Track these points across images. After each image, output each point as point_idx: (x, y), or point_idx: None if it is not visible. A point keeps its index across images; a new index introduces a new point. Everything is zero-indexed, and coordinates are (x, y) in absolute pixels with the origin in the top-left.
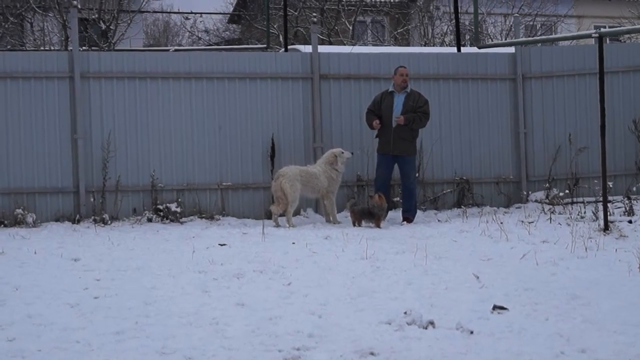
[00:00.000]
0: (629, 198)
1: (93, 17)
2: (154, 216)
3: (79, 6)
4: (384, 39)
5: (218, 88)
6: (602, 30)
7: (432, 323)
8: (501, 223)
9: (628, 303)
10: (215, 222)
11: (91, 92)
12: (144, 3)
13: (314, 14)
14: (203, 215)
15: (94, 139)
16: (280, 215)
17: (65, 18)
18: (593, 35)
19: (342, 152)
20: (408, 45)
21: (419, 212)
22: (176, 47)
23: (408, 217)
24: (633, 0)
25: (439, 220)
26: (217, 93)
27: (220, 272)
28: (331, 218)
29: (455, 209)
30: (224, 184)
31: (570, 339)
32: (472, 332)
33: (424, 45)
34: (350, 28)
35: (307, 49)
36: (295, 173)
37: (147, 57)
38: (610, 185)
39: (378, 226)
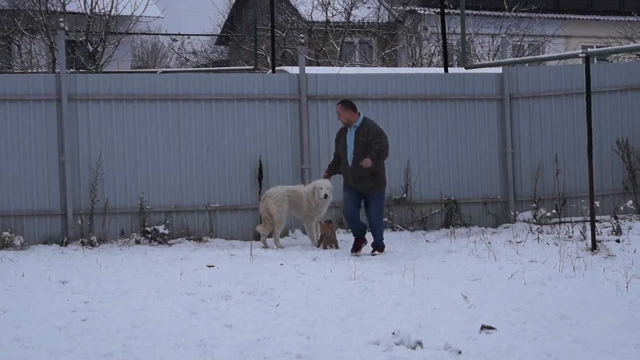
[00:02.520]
0: (616, 217)
1: (80, 39)
2: (142, 238)
3: (67, 28)
4: (372, 59)
5: (205, 110)
6: (589, 50)
7: (420, 343)
8: (489, 243)
9: (616, 322)
10: (203, 244)
11: (79, 114)
12: (131, 25)
13: (302, 35)
14: (191, 237)
15: (82, 161)
16: (269, 237)
17: (52, 40)
18: (580, 55)
19: (321, 189)
20: (396, 65)
21: (407, 234)
22: (164, 69)
23: (377, 248)
24: (620, 20)
25: (427, 241)
26: (205, 115)
27: (208, 294)
28: (310, 241)
29: (444, 229)
30: (212, 205)
31: (558, 359)
32: (460, 352)
33: (412, 66)
34: (338, 49)
35: (295, 70)
36: (282, 194)
37: (134, 79)
38: (598, 205)
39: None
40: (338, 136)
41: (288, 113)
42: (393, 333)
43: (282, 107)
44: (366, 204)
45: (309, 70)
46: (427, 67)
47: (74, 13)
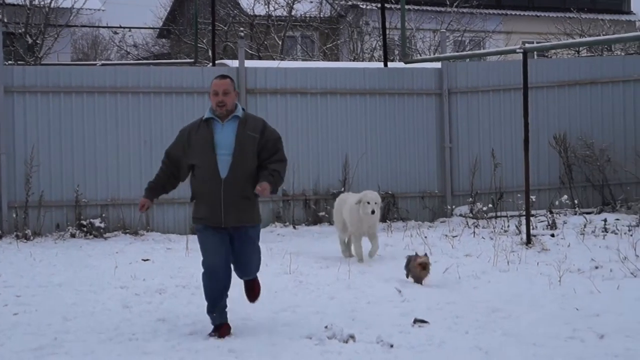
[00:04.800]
0: (551, 212)
1: (19, 31)
2: (78, 232)
3: (5, 20)
4: (314, 54)
5: (144, 103)
6: (527, 45)
7: (352, 337)
8: (425, 237)
9: (548, 316)
10: (139, 238)
11: (15, 106)
12: (72, 17)
13: (242, 29)
14: (127, 231)
15: (17, 154)
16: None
17: None
18: (518, 50)
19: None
20: (337, 60)
21: None
22: (103, 62)
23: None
24: (560, 16)
25: None
26: (143, 108)
27: (142, 288)
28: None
29: (381, 223)
30: None
31: (489, 352)
32: (392, 346)
33: (353, 60)
34: (280, 43)
35: (235, 63)
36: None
37: (72, 71)
38: (534, 199)
39: None
40: (188, 133)
41: None
42: (326, 327)
43: None
44: (239, 250)
45: (249, 63)
46: (369, 61)
47: (13, 5)
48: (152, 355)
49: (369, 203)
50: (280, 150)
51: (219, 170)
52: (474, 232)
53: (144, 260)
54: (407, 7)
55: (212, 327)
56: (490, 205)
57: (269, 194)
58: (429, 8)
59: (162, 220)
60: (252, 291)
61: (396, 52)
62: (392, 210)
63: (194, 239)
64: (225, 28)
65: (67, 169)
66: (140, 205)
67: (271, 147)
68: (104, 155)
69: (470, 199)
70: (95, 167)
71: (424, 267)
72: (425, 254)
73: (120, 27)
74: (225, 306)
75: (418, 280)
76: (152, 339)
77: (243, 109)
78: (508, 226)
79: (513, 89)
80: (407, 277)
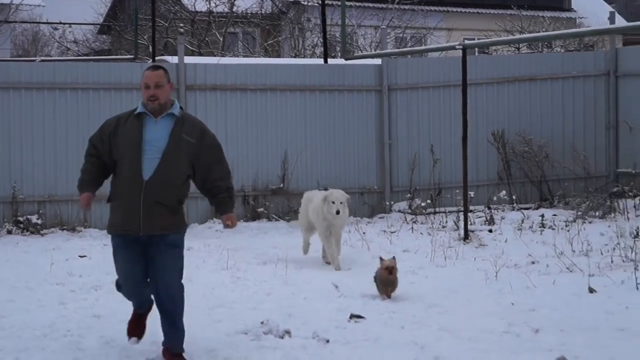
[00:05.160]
0: (489, 208)
1: None
2: (14, 228)
3: None
4: (255, 50)
5: (83, 99)
6: (466, 42)
7: (288, 332)
8: (363, 233)
9: (484, 311)
10: (76, 234)
11: None
12: (11, 13)
13: (181, 25)
14: (65, 227)
15: None
16: None
17: None
18: (457, 47)
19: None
20: (279, 56)
21: (283, 224)
22: (43, 58)
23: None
24: (501, 13)
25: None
26: (82, 104)
27: (78, 284)
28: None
29: None
30: None
31: (425, 347)
32: (328, 341)
33: (295, 57)
34: (221, 39)
35: (175, 60)
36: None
37: (10, 67)
38: (472, 195)
39: None
40: (115, 124)
41: None
42: (262, 322)
43: None
44: (158, 262)
45: (189, 60)
46: (310, 58)
47: None
48: (87, 351)
49: (333, 203)
50: (224, 159)
51: (142, 171)
52: (412, 228)
53: (81, 256)
54: (348, 3)
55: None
56: (428, 201)
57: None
58: (370, 5)
59: (100, 217)
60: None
61: (337, 48)
62: None
63: None
64: (166, 24)
65: (4, 165)
66: (83, 202)
67: (212, 157)
68: (41, 152)
69: (409, 195)
70: (33, 163)
71: (391, 271)
72: (393, 257)
73: (61, 23)
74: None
75: (386, 285)
76: (87, 335)
77: (181, 108)
78: (446, 222)
79: (453, 86)
80: (381, 294)
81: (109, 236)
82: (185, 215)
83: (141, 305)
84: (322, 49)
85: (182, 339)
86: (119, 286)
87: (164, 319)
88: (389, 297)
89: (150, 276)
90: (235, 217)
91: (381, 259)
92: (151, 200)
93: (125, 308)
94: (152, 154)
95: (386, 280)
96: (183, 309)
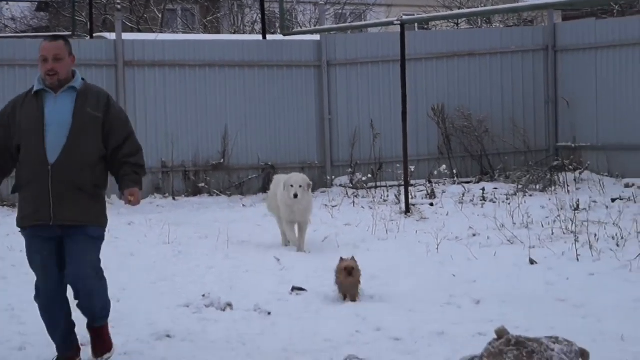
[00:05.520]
0: (430, 182)
1: None
2: None
3: None
4: (194, 27)
5: (20, 75)
6: (405, 17)
7: (230, 305)
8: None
9: (426, 283)
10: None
11: None
12: None
13: (120, 2)
14: (5, 203)
15: None
16: None
17: None
18: (395, 22)
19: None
20: (218, 33)
21: (224, 199)
22: None
23: (98, 342)
24: None
25: (243, 205)
26: (18, 80)
27: (19, 259)
28: None
29: (261, 193)
30: None
31: (366, 318)
32: (269, 314)
33: (234, 33)
34: (160, 16)
35: (114, 36)
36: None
37: None
38: (413, 170)
39: None
40: (12, 107)
41: (104, 79)
42: (204, 295)
43: (98, 73)
44: (73, 254)
45: (127, 36)
46: (250, 34)
47: None
48: (28, 325)
49: (292, 186)
50: (132, 135)
51: (47, 154)
52: (354, 202)
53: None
54: None
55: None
56: (370, 176)
57: (139, 200)
58: None
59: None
60: (101, 342)
61: (277, 25)
62: (272, 181)
63: None
64: (105, 1)
65: None
66: None
67: (121, 132)
68: None
69: (350, 169)
70: None
71: (350, 272)
72: (352, 257)
73: None
74: (72, 328)
75: (346, 290)
76: (29, 308)
77: (83, 79)
78: (387, 196)
79: (392, 61)
80: (344, 297)
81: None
82: (106, 206)
83: (63, 339)
84: (261, 25)
85: (105, 317)
86: (38, 292)
87: (88, 307)
88: (353, 301)
89: (66, 271)
90: (139, 194)
91: (341, 259)
92: (61, 185)
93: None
94: (55, 134)
95: (346, 284)
96: (107, 296)
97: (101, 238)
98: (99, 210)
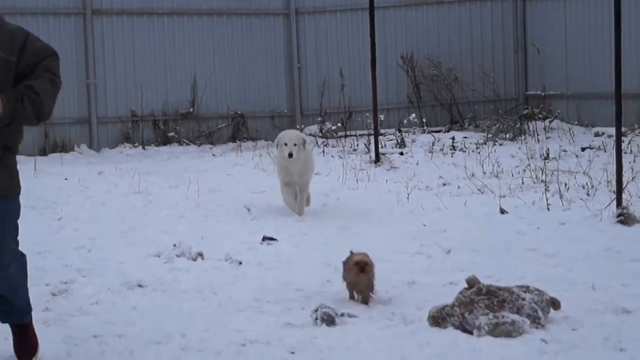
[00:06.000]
0: (400, 131)
1: None
2: None
3: None
4: None
5: None
6: None
7: (201, 255)
8: (275, 156)
9: (396, 232)
10: None
11: None
12: None
13: None
14: None
15: None
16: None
17: None
18: None
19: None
20: None
21: (194, 148)
22: None
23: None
24: None
25: (213, 155)
26: None
27: None
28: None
29: (230, 143)
30: None
31: (337, 268)
32: (240, 263)
33: None
34: None
35: None
36: None
37: None
38: (383, 118)
39: None
40: None
41: (73, 28)
42: (174, 245)
43: (66, 22)
44: None
45: None
46: None
47: None
48: None
49: (286, 145)
50: (51, 69)
51: None
52: (324, 151)
53: None
54: None
55: None
56: (339, 125)
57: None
58: None
59: None
60: (26, 343)
61: None
62: (241, 130)
63: (43, 161)
64: None
65: None
66: None
67: (40, 70)
68: None
69: (320, 118)
70: None
71: (362, 268)
72: (365, 254)
73: None
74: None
75: (357, 289)
76: None
77: None
78: (357, 145)
79: (361, 9)
80: (351, 296)
81: None
82: (18, 173)
83: None
84: None
85: (29, 314)
86: None
87: (15, 337)
88: (366, 304)
89: None
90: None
91: (351, 252)
92: None
93: (38, 232)
94: None
95: (357, 282)
96: (27, 287)
97: (16, 213)
98: (9, 176)
